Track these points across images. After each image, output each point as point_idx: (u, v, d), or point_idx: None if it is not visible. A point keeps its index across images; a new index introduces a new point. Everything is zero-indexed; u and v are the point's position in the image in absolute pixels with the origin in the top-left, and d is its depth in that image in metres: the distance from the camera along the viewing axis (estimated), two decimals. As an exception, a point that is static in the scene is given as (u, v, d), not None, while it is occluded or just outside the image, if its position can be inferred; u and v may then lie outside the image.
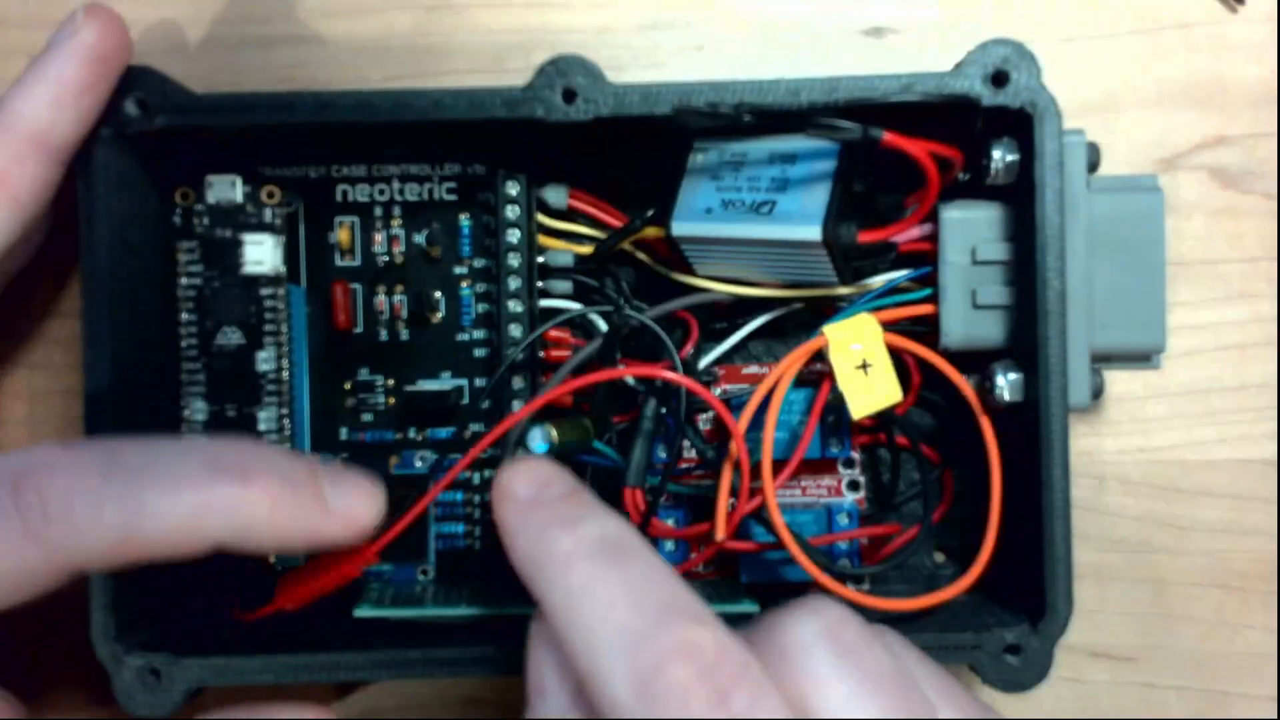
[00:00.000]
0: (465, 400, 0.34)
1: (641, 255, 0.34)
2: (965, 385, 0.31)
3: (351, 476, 0.27)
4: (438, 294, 0.34)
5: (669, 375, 0.31)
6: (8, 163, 0.28)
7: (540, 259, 0.34)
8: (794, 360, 0.31)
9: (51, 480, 0.24)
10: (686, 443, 0.33)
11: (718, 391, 0.35)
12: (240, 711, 0.29)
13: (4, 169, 0.28)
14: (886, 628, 0.24)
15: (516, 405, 0.33)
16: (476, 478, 0.35)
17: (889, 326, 0.31)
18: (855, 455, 0.35)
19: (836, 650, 0.22)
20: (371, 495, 0.27)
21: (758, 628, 0.23)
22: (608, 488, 0.33)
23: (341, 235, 0.34)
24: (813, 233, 0.30)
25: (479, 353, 0.34)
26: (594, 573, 0.22)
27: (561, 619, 0.22)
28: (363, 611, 0.31)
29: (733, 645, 0.21)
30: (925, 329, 0.32)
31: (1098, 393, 0.30)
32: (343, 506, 0.26)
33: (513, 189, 0.33)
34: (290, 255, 0.34)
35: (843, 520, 0.34)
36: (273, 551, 0.26)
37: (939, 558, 0.36)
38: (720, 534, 0.30)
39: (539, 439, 0.31)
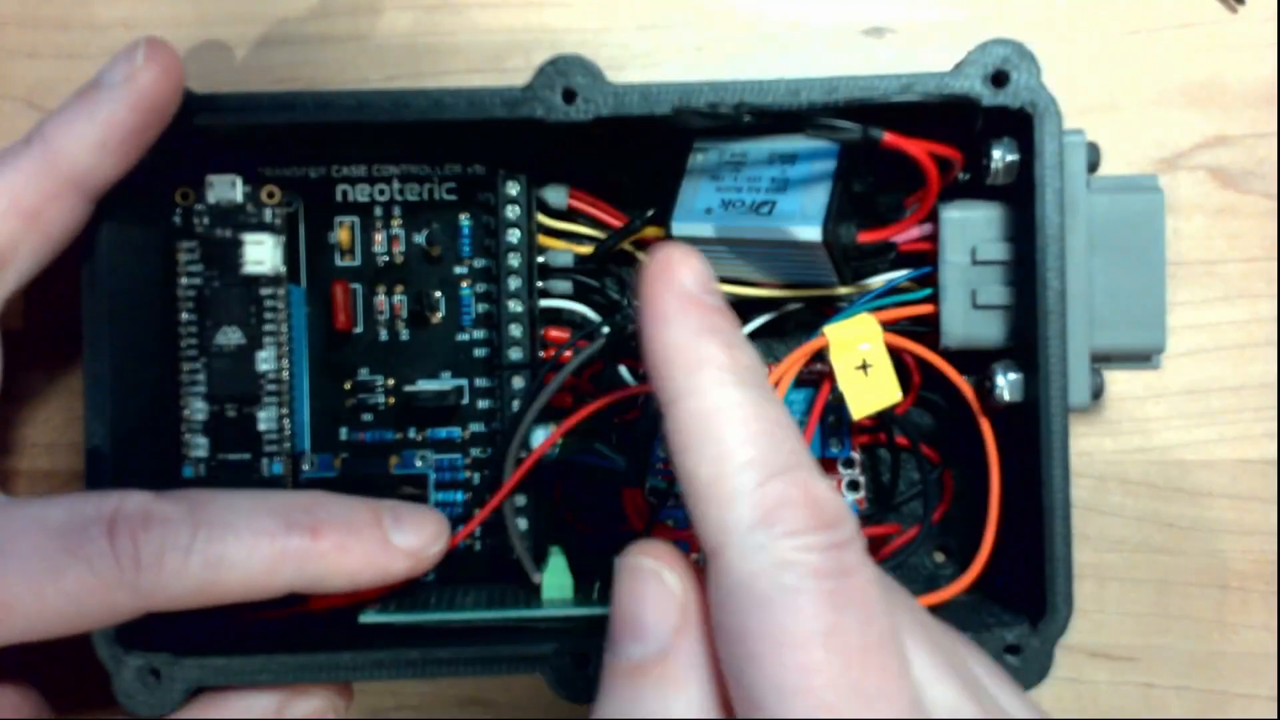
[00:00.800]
0: (465, 400, 0.34)
1: (641, 255, 0.34)
2: (965, 385, 0.31)
3: (414, 513, 0.29)
4: (438, 294, 0.34)
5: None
6: (43, 200, 0.27)
7: (540, 259, 0.34)
8: (794, 360, 0.31)
9: (147, 531, 0.25)
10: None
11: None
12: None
13: (39, 206, 0.27)
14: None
15: (517, 405, 0.33)
16: (476, 478, 0.35)
17: (889, 326, 0.31)
18: (855, 455, 0.35)
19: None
20: (434, 530, 0.29)
21: None
22: (608, 488, 0.33)
23: (341, 235, 0.34)
24: (813, 233, 0.30)
25: (479, 353, 0.34)
26: (743, 399, 0.21)
27: (695, 429, 0.21)
28: (368, 617, 0.31)
29: (850, 513, 0.21)
30: (925, 329, 0.32)
31: (1098, 393, 0.30)
32: (406, 544, 0.28)
33: (513, 189, 0.33)
34: (290, 255, 0.34)
35: (843, 520, 0.34)
36: (346, 590, 0.28)
37: (939, 557, 0.36)
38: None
39: (541, 439, 0.31)
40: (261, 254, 0.32)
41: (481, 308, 0.34)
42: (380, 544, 0.28)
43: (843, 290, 0.32)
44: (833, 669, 0.19)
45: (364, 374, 0.35)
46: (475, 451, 0.34)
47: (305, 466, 0.34)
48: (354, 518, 0.28)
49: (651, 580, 0.22)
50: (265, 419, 0.33)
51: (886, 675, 0.20)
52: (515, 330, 0.33)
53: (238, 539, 0.26)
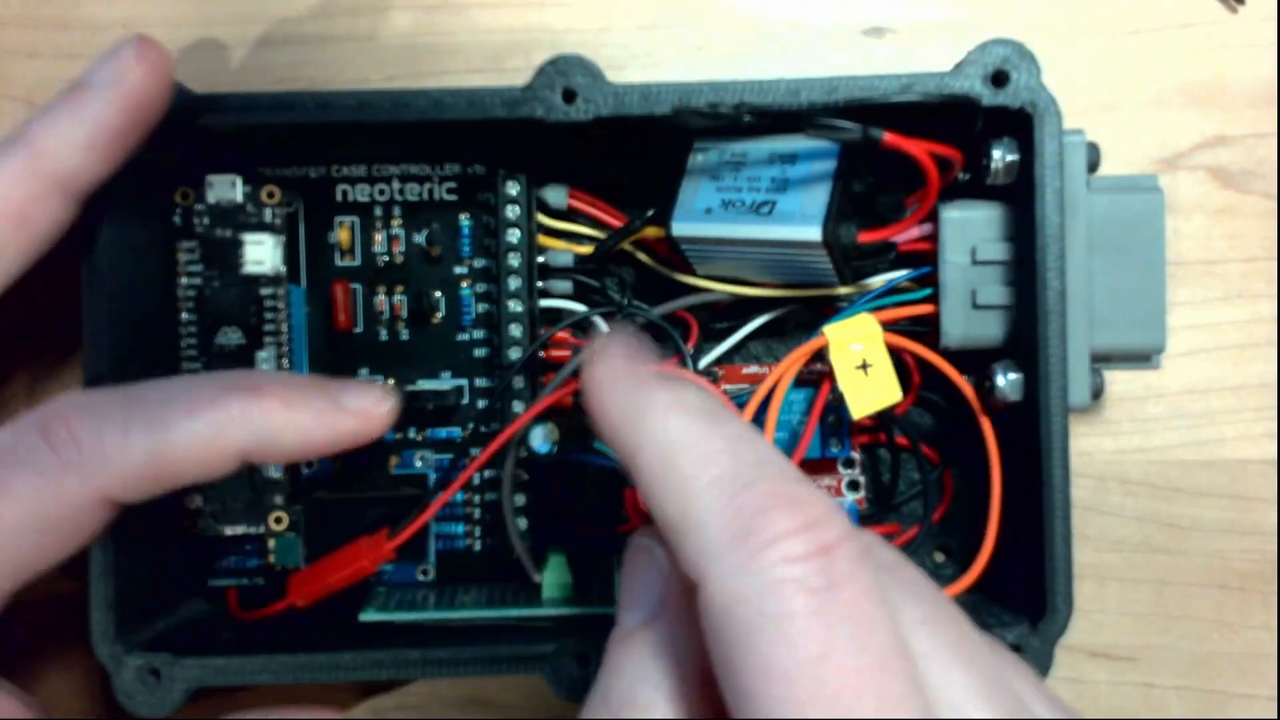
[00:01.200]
0: (465, 400, 0.34)
1: (641, 255, 0.34)
2: (965, 385, 0.31)
3: (361, 381, 0.29)
4: (438, 294, 0.34)
5: (681, 371, 0.31)
6: (29, 201, 0.26)
7: (540, 259, 0.34)
8: (794, 360, 0.31)
9: (80, 417, 0.25)
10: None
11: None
12: (253, 713, 0.29)
13: (25, 207, 0.26)
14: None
15: (517, 405, 0.33)
16: (476, 478, 0.35)
17: (889, 326, 0.31)
18: (855, 455, 0.35)
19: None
20: (383, 392, 0.28)
21: None
22: (608, 487, 0.33)
23: (341, 235, 0.34)
24: (813, 233, 0.30)
25: (479, 353, 0.34)
26: (695, 426, 0.20)
27: (656, 470, 0.20)
28: (368, 616, 0.31)
29: (837, 508, 0.20)
30: (925, 329, 0.32)
31: (1098, 393, 0.30)
32: (356, 403, 0.27)
33: (513, 189, 0.33)
34: (290, 255, 0.34)
35: (843, 520, 0.34)
36: (299, 457, 0.27)
37: (939, 558, 0.36)
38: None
39: (541, 438, 0.31)
40: (261, 254, 0.32)
41: (481, 308, 0.34)
42: (328, 400, 0.27)
43: (843, 290, 0.32)
44: (828, 698, 0.18)
45: (364, 374, 0.35)
46: (475, 451, 0.34)
47: (304, 466, 0.34)
48: (297, 380, 0.28)
49: (643, 555, 0.22)
50: (265, 419, 0.33)
51: (887, 696, 0.18)
52: (515, 330, 0.33)
53: (176, 407, 0.26)
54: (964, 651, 0.20)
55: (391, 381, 0.29)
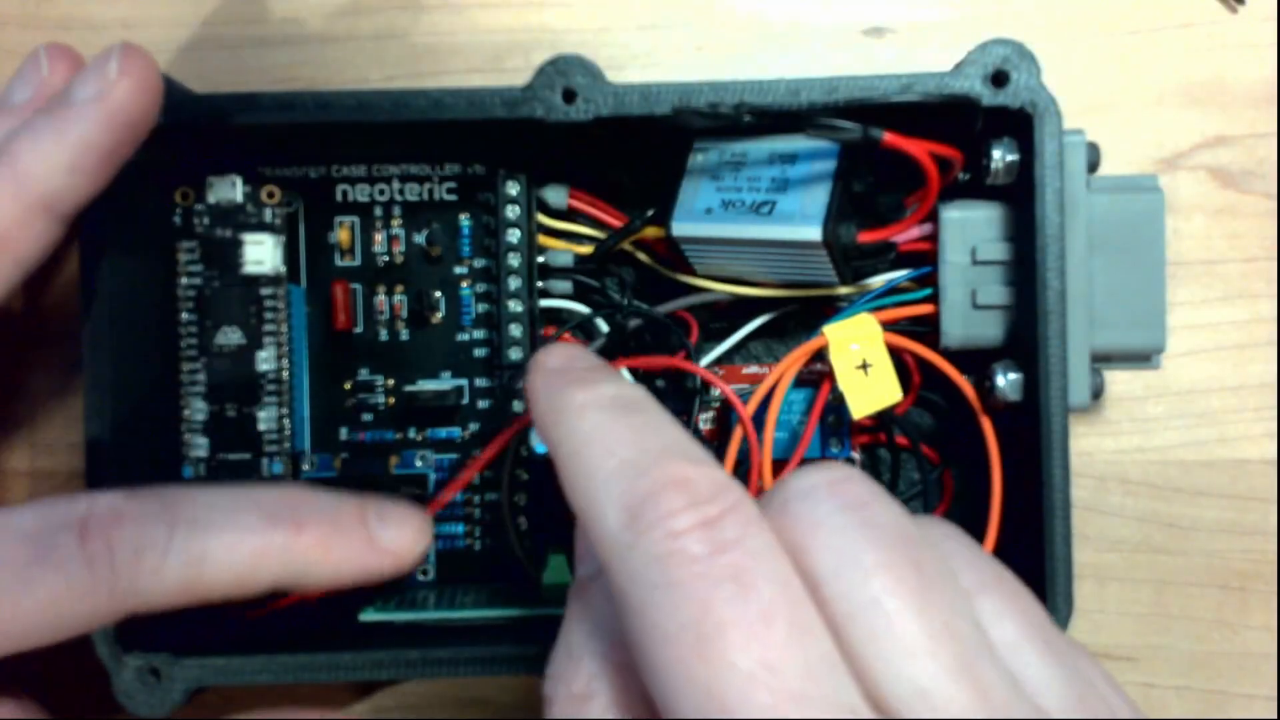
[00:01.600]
0: (465, 400, 0.34)
1: (641, 255, 0.34)
2: (965, 385, 0.31)
3: (398, 511, 0.28)
4: (438, 294, 0.34)
5: (686, 365, 0.31)
6: (13, 224, 0.25)
7: (540, 259, 0.34)
8: (794, 360, 0.31)
9: (120, 531, 0.25)
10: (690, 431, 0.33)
11: (717, 391, 0.35)
12: (254, 714, 0.29)
13: (7, 230, 0.25)
14: (937, 519, 0.22)
15: (517, 405, 0.33)
16: (476, 478, 0.35)
17: (889, 326, 0.31)
18: (855, 455, 0.35)
19: (841, 502, 0.20)
20: (418, 528, 0.28)
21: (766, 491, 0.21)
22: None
23: (341, 235, 0.34)
24: (813, 233, 0.30)
25: (479, 353, 0.34)
26: (604, 420, 0.21)
27: (569, 466, 0.21)
28: (368, 615, 0.31)
29: (729, 484, 0.19)
30: (925, 329, 0.32)
31: (1098, 393, 0.30)
32: (390, 542, 0.27)
33: (513, 189, 0.33)
34: (290, 255, 0.34)
35: (843, 520, 0.34)
36: (328, 588, 0.27)
37: (939, 558, 0.36)
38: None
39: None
40: (261, 254, 0.32)
41: (481, 308, 0.34)
42: (365, 541, 0.27)
43: (843, 290, 0.32)
44: (712, 656, 0.17)
45: (364, 374, 0.35)
46: (475, 452, 0.34)
47: (305, 466, 0.34)
48: (338, 514, 0.27)
49: None
50: (265, 419, 0.33)
51: (771, 644, 0.17)
52: (515, 330, 0.33)
53: (218, 535, 0.25)
54: (901, 591, 0.19)
55: (428, 520, 0.29)
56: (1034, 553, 0.29)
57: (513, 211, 0.33)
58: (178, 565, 0.25)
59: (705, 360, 0.34)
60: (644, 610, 0.18)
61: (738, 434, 0.30)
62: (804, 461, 0.32)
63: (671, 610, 0.18)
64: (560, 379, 0.23)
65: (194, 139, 0.31)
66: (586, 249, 0.34)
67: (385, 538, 0.27)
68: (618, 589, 0.19)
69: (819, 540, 0.19)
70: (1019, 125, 0.29)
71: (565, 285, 0.34)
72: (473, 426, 0.35)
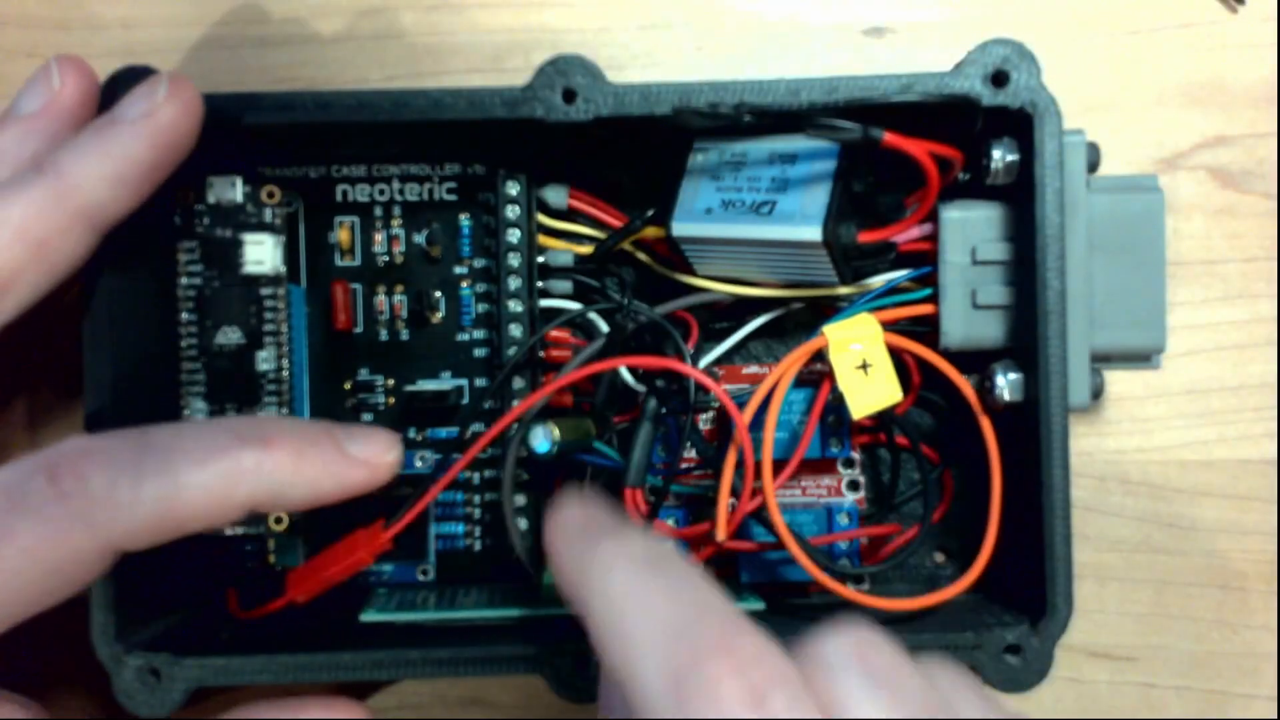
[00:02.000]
0: (465, 400, 0.34)
1: (641, 255, 0.34)
2: (965, 385, 0.31)
3: (364, 428, 0.28)
4: (438, 294, 0.34)
5: (681, 367, 0.31)
6: (51, 232, 0.26)
7: (540, 259, 0.34)
8: (794, 360, 0.31)
9: (90, 464, 0.24)
10: (688, 433, 0.33)
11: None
12: (270, 709, 0.29)
13: (46, 237, 0.26)
14: (943, 659, 0.23)
15: (517, 405, 0.33)
16: (476, 478, 0.35)
17: (889, 326, 0.31)
18: (855, 455, 0.35)
19: (868, 669, 0.21)
20: (390, 440, 0.28)
21: (789, 644, 0.22)
22: (608, 488, 0.33)
23: (341, 235, 0.34)
24: (813, 233, 0.30)
25: (479, 353, 0.34)
26: (636, 577, 0.21)
27: (603, 627, 0.21)
28: (369, 616, 0.31)
29: (772, 649, 0.20)
30: (925, 329, 0.32)
31: (1098, 393, 0.30)
32: (363, 453, 0.27)
33: (513, 189, 0.33)
34: (290, 255, 0.34)
35: (843, 520, 0.34)
36: (305, 507, 0.27)
37: (939, 558, 0.36)
38: (721, 534, 0.30)
39: (540, 438, 0.31)
40: (261, 254, 0.32)
41: (481, 308, 0.34)
42: (336, 452, 0.27)
43: (843, 290, 0.32)
44: None
45: (364, 374, 0.34)
46: (471, 449, 0.34)
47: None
48: (306, 430, 0.27)
49: None
50: (265, 419, 0.33)
51: None
52: (515, 330, 0.33)
53: (188, 457, 0.25)
54: None
55: (397, 437, 0.29)
56: (1034, 553, 0.29)
57: (513, 211, 0.33)
58: (152, 492, 0.25)
59: (705, 360, 0.34)
60: None
61: (736, 438, 0.30)
62: (803, 463, 0.32)
63: None
64: (583, 534, 0.23)
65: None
66: (586, 249, 0.34)
67: (355, 449, 0.27)
68: None
69: (856, 707, 0.20)
70: (1019, 125, 0.29)
71: (565, 285, 0.34)
72: (473, 427, 0.34)
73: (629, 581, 0.21)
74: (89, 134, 0.27)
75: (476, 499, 0.35)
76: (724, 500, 0.30)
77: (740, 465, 0.30)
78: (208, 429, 0.26)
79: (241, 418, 0.28)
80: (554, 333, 0.34)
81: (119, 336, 0.30)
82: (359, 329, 0.34)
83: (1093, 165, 0.31)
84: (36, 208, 0.26)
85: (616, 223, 0.34)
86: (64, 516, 0.24)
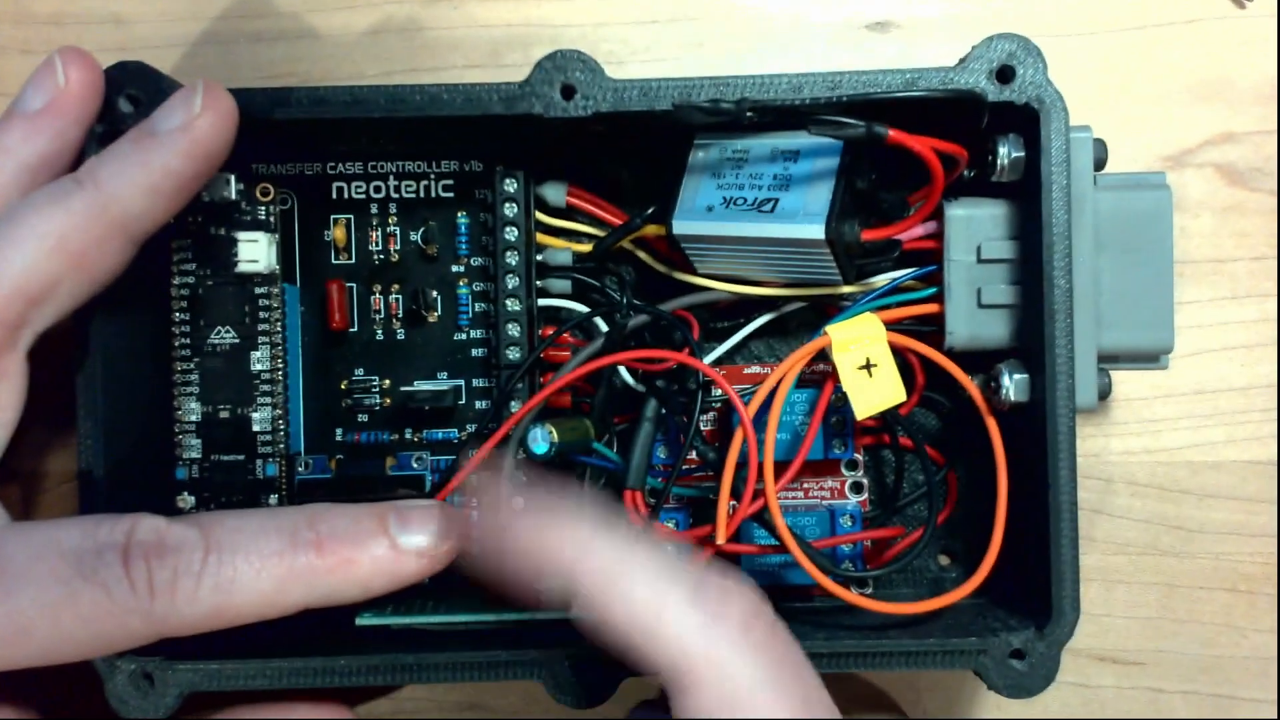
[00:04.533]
0: (462, 401, 0.34)
1: (641, 254, 0.34)
2: (970, 385, 0.30)
3: (419, 511, 0.28)
4: (434, 293, 0.34)
5: (690, 360, 0.31)
6: (90, 243, 0.27)
7: (539, 257, 0.33)
8: (797, 360, 0.30)
9: (161, 558, 0.25)
10: (693, 433, 0.33)
11: (718, 392, 0.34)
12: (258, 711, 0.29)
13: (86, 249, 0.27)
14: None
15: (516, 406, 0.33)
16: (474, 479, 0.34)
17: (893, 326, 0.31)
18: (858, 457, 0.34)
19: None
20: (443, 524, 0.28)
21: None
22: (608, 489, 0.32)
23: (337, 233, 0.34)
24: (816, 231, 0.29)
25: (476, 353, 0.34)
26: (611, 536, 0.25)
27: (604, 592, 0.24)
28: (365, 620, 0.31)
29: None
30: (930, 328, 0.32)
31: (1105, 393, 0.30)
32: (415, 544, 0.27)
33: (510, 186, 0.33)
34: (285, 253, 0.33)
35: (846, 522, 0.34)
36: (362, 599, 0.27)
37: (943, 561, 0.35)
38: (721, 537, 0.30)
39: (539, 439, 0.31)
40: (255, 252, 0.32)
41: (479, 307, 0.34)
42: (389, 549, 0.27)
43: (846, 289, 0.32)
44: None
45: (359, 374, 0.34)
46: (472, 453, 0.34)
47: (300, 468, 0.34)
48: (357, 527, 0.27)
49: None
50: (259, 420, 0.32)
51: None
52: (513, 330, 0.33)
53: (247, 561, 0.26)
54: None
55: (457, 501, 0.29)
56: (1040, 556, 0.29)
57: (510, 209, 0.33)
58: (209, 591, 0.25)
59: (707, 360, 0.34)
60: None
61: (738, 436, 0.30)
62: (806, 464, 0.32)
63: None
64: (534, 527, 0.25)
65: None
66: (585, 247, 0.34)
67: (409, 542, 0.27)
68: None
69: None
70: (1025, 121, 0.29)
71: (564, 284, 0.34)
72: (470, 428, 0.34)
73: (609, 550, 0.24)
74: (126, 145, 0.27)
75: (474, 502, 0.34)
76: (724, 502, 0.30)
77: (741, 466, 0.30)
78: (269, 527, 0.26)
79: (298, 512, 0.27)
80: (552, 333, 0.33)
81: (111, 335, 0.29)
82: (354, 328, 0.34)
83: (1099, 162, 0.30)
84: (76, 219, 0.26)
85: (616, 220, 0.33)
86: (128, 601, 0.25)
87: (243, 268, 0.32)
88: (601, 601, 0.23)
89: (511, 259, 0.33)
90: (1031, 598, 0.30)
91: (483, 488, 0.25)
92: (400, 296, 0.34)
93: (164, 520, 0.26)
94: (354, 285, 0.34)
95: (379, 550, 0.27)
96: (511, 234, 0.33)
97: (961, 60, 0.29)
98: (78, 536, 0.25)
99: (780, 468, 0.31)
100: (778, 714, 0.23)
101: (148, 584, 0.25)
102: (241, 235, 0.32)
